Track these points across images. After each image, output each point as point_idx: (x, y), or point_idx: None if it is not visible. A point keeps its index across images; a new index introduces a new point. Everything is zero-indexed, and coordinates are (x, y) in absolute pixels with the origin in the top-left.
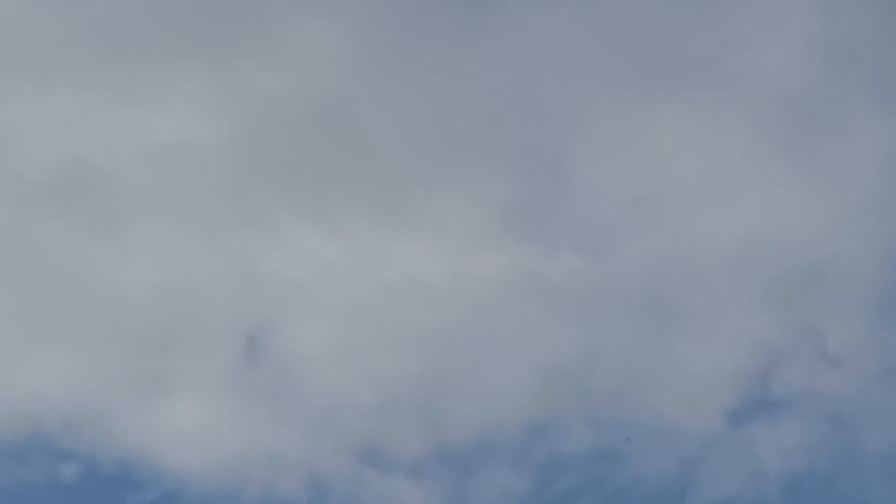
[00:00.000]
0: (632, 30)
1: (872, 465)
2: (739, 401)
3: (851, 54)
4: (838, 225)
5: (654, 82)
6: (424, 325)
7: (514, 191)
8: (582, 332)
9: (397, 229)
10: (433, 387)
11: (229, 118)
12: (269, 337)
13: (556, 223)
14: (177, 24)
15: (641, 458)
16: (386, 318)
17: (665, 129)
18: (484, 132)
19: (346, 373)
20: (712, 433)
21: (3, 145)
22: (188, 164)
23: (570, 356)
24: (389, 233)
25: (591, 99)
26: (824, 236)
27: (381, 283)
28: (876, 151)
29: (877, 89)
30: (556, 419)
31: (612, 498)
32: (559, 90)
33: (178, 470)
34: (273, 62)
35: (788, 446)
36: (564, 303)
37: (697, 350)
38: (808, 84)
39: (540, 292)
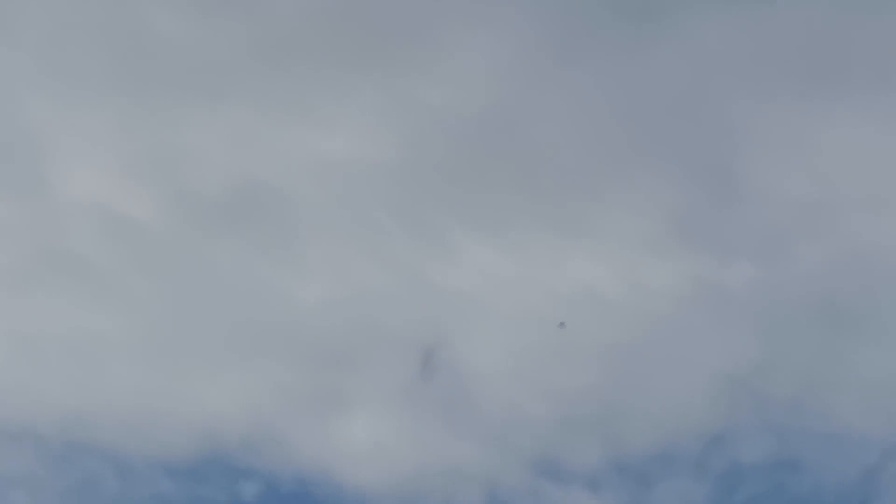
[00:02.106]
0: (803, 34)
1: None
2: None
3: None
4: None
5: (826, 86)
6: (598, 336)
7: (686, 199)
8: (758, 340)
9: (569, 240)
10: (609, 398)
11: (398, 133)
12: (443, 351)
13: (728, 230)
14: (344, 42)
15: (822, 467)
16: (560, 330)
17: (838, 132)
18: (653, 140)
19: (522, 385)
20: (895, 440)
21: (177, 166)
22: (359, 180)
23: (747, 365)
24: (561, 244)
25: (762, 104)
26: None
27: (553, 295)
28: None
29: None
30: (733, 428)
31: None
32: (728, 96)
33: (357, 486)
34: (440, 76)
35: None
36: (739, 311)
37: (877, 355)
38: None
39: (714, 301)
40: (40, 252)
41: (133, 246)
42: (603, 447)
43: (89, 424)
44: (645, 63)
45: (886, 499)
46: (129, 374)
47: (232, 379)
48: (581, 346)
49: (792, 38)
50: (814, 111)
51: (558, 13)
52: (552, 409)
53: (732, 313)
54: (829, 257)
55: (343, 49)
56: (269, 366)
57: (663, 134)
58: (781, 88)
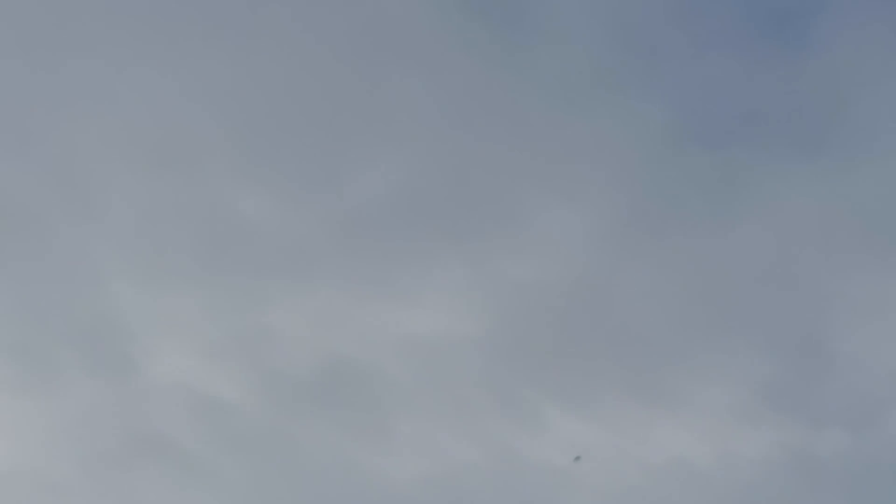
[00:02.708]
0: (887, 200)
1: None
2: None
3: None
4: None
5: None
6: None
7: (775, 367)
8: None
9: (657, 410)
10: None
11: (484, 307)
12: None
13: (819, 398)
14: (427, 218)
15: None
16: (652, 502)
17: None
18: (740, 309)
19: None
20: None
21: (264, 346)
22: (446, 355)
23: None
24: (650, 415)
25: (847, 269)
26: None
27: (644, 467)
28: None
29: None
30: None
31: None
32: (815, 266)
33: None
34: (524, 249)
35: None
36: (831, 479)
37: None
38: None
39: (806, 469)
40: (129, 434)
41: (222, 426)
42: None
43: None
44: (729, 234)
45: None
46: None
47: None
48: None
49: (880, 207)
50: None
51: (643, 187)
52: None
53: (824, 482)
54: None
55: (426, 224)
56: None
57: (750, 303)
58: (866, 253)
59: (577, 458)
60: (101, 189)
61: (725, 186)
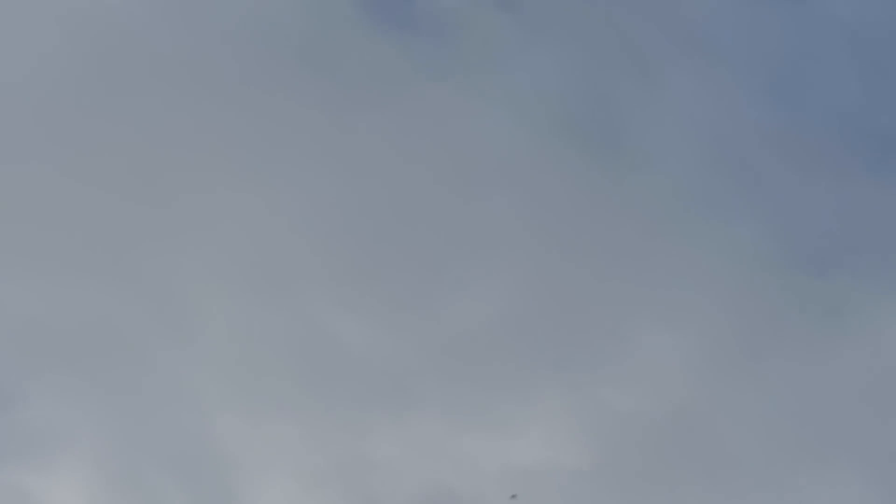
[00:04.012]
0: None
1: None
2: None
3: None
4: None
5: None
6: None
7: (880, 489)
8: None
9: None
10: None
11: (584, 436)
12: None
13: None
14: (527, 345)
15: None
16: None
17: None
18: (842, 436)
19: None
20: None
21: (364, 476)
22: (549, 486)
23: None
24: None
25: None
26: None
27: None
28: None
29: None
30: None
31: None
32: None
33: None
34: (625, 378)
35: None
36: None
37: None
38: None
39: None
40: None
41: None
42: None
43: None
44: (832, 361)
45: None
46: None
47: None
48: None
49: None
50: None
51: (745, 313)
52: None
53: None
54: None
55: (525, 352)
56: None
57: (852, 431)
58: None
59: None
60: (201, 316)
61: (828, 312)
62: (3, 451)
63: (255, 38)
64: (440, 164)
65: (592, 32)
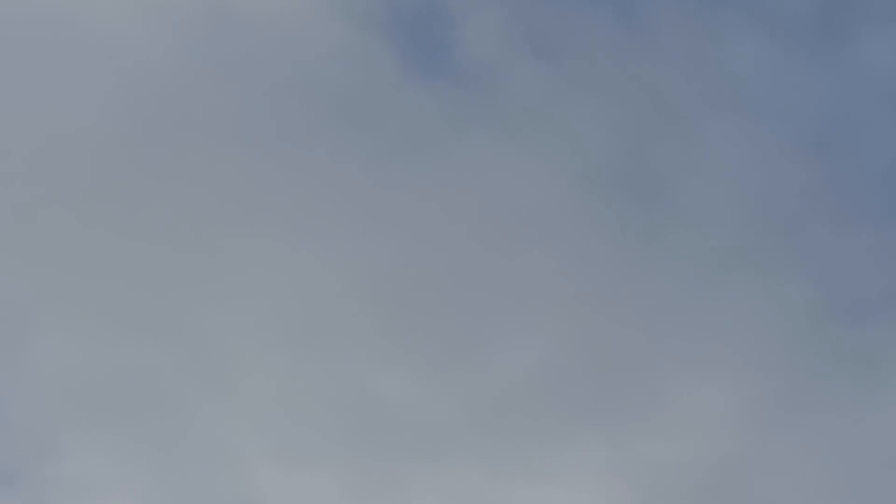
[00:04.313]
0: None
1: None
2: None
3: None
4: None
5: None
6: None
7: None
8: None
9: None
10: None
11: (628, 489)
12: None
13: None
14: (563, 395)
15: None
16: None
17: None
18: (890, 488)
19: None
20: None
21: None
22: None
23: None
24: None
25: None
26: None
27: None
28: None
29: None
30: None
31: None
32: None
33: None
34: (664, 428)
35: None
36: None
37: None
38: None
39: None
40: None
41: None
42: None
43: None
44: (871, 415)
45: None
46: None
47: None
48: None
49: None
50: None
51: (784, 366)
52: None
53: None
54: None
55: (564, 405)
56: None
57: (888, 488)
58: None
59: None
60: (241, 369)
61: (869, 365)
62: None
63: (296, 93)
64: (478, 217)
65: (631, 85)
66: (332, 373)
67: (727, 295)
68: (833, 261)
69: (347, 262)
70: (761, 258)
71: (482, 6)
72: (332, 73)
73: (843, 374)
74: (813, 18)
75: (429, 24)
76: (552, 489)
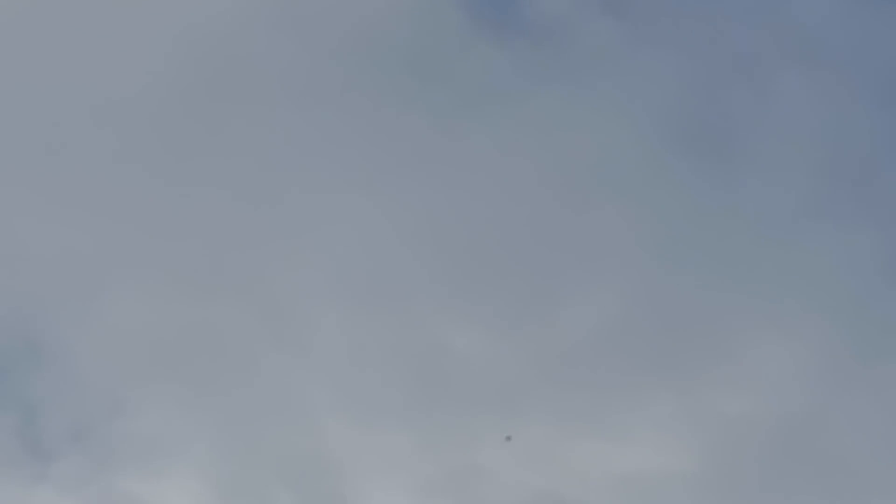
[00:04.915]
0: None
1: None
2: None
3: None
4: None
5: None
6: None
7: None
8: None
9: None
10: None
11: (695, 443)
12: None
13: None
14: (635, 351)
15: None
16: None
17: None
18: None
19: None
20: None
21: (473, 483)
22: (658, 492)
23: None
24: None
25: None
26: None
27: None
28: None
29: None
30: None
31: None
32: None
33: None
34: (736, 382)
35: None
36: None
37: None
38: None
39: None
40: None
41: None
42: None
43: None
44: None
45: None
46: None
47: None
48: None
49: None
50: None
51: (856, 319)
52: None
53: None
54: None
55: (635, 359)
56: None
57: None
58: None
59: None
60: (311, 324)
61: None
62: (114, 460)
63: (364, 47)
64: (548, 171)
65: (702, 38)
66: (402, 328)
67: (798, 247)
68: None
69: (419, 218)
70: (835, 211)
71: None
72: (401, 28)
73: None
74: None
75: None
76: (621, 442)
